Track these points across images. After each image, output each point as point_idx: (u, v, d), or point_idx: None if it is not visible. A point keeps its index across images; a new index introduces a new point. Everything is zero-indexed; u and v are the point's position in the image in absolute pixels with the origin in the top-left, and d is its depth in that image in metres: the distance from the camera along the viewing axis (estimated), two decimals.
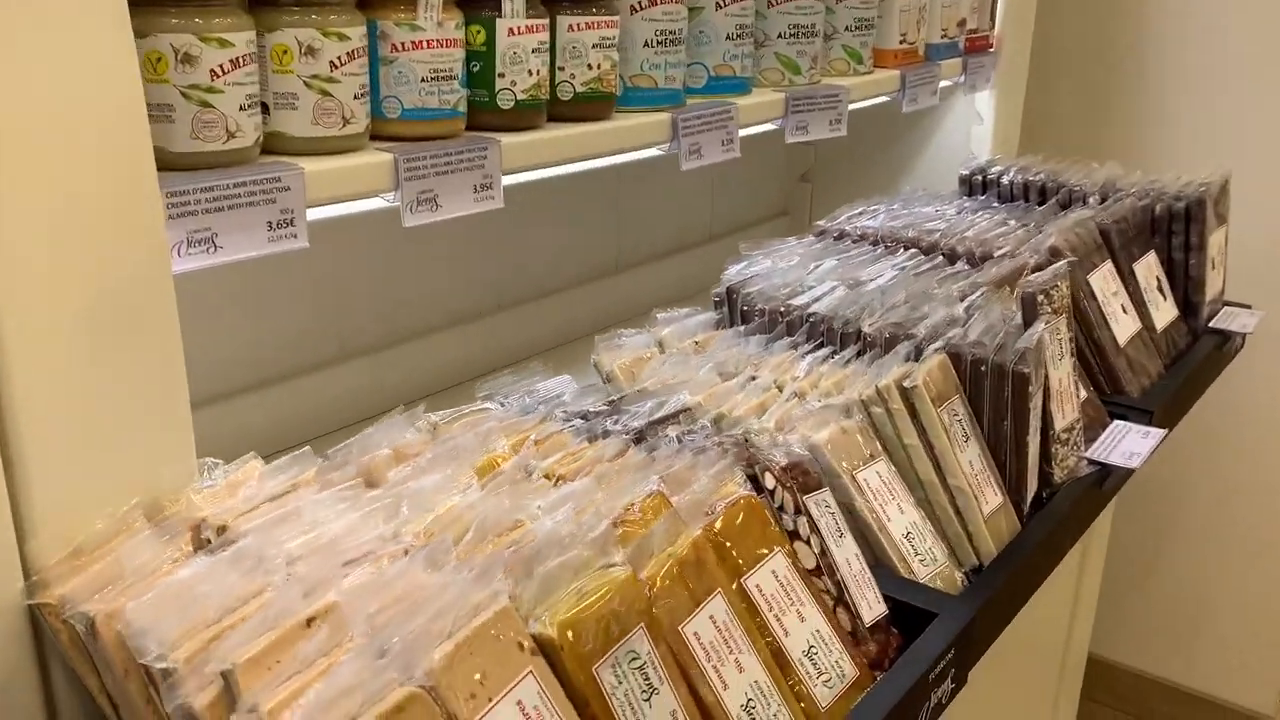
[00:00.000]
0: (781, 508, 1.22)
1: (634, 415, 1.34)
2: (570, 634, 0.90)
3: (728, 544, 1.10)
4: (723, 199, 2.42)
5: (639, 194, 2.18)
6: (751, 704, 1.02)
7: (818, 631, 1.13)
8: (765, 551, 1.13)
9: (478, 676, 0.84)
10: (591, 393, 1.42)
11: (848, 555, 1.22)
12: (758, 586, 1.11)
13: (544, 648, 0.90)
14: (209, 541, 0.97)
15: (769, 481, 1.23)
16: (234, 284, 1.53)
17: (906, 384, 1.35)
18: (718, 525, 1.10)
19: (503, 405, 1.36)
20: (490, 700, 0.84)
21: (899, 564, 1.30)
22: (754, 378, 1.44)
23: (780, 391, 1.41)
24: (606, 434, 1.29)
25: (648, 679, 0.95)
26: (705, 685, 0.99)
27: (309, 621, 0.84)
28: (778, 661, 1.08)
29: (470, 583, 0.90)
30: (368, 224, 1.55)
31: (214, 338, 1.52)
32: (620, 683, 0.93)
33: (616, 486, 1.10)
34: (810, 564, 1.21)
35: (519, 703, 0.86)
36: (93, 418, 0.91)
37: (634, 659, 0.95)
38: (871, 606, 1.22)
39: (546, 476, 1.15)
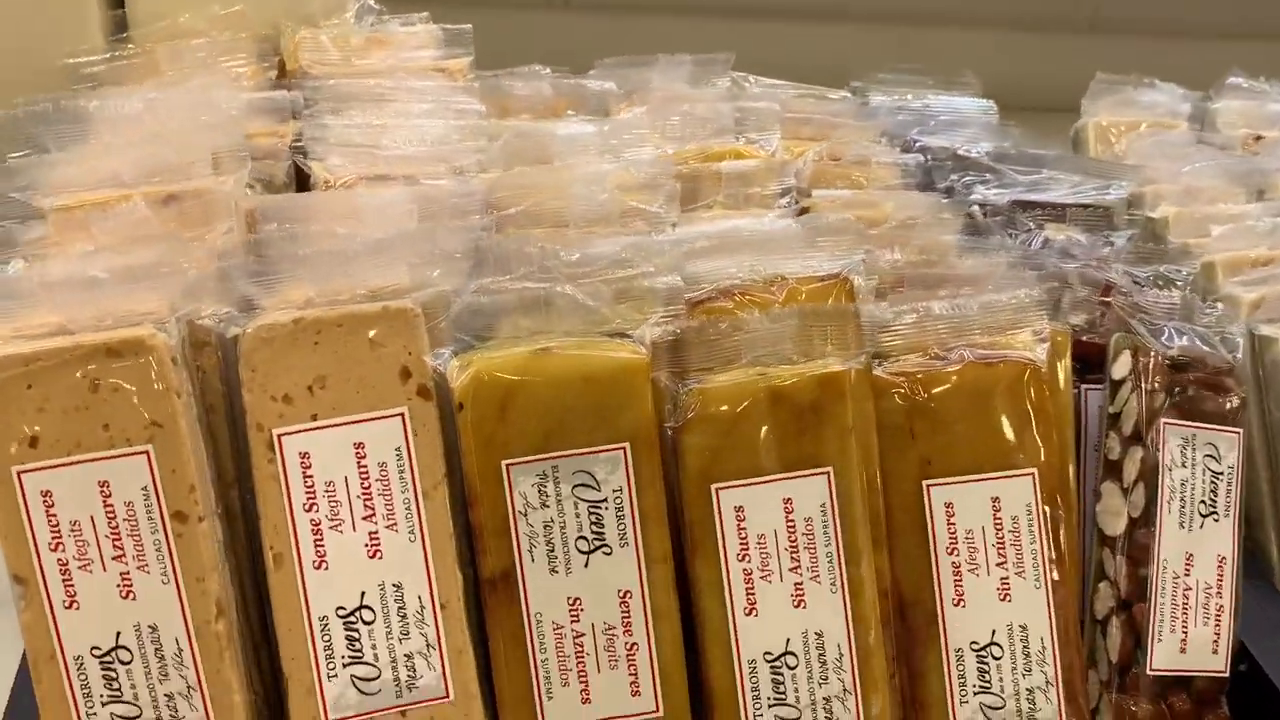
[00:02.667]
0: (1117, 420, 0.70)
1: (1032, 185, 0.84)
2: (480, 397, 0.57)
3: (923, 412, 0.65)
4: None
5: None
6: (785, 660, 0.62)
7: (1020, 627, 0.65)
8: (997, 461, 0.65)
9: (311, 382, 0.56)
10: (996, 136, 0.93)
11: (1205, 549, 0.68)
12: (947, 506, 0.65)
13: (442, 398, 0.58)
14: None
15: (1121, 367, 0.70)
16: None
17: None
18: (921, 384, 0.65)
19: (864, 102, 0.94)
20: (313, 420, 0.57)
21: None
22: None
23: None
24: (948, 191, 0.83)
25: (599, 526, 0.59)
26: (714, 597, 0.61)
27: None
28: (910, 627, 0.65)
29: (414, 246, 0.59)
30: None
31: None
32: (543, 507, 0.59)
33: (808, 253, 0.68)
34: (1114, 528, 0.69)
35: (358, 447, 0.57)
36: None
37: (587, 485, 0.59)
38: (1190, 649, 0.68)
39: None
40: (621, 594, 0.60)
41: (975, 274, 0.72)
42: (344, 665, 0.58)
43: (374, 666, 0.58)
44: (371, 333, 0.57)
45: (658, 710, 0.61)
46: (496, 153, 0.72)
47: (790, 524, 0.61)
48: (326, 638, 0.58)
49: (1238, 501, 0.71)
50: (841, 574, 0.62)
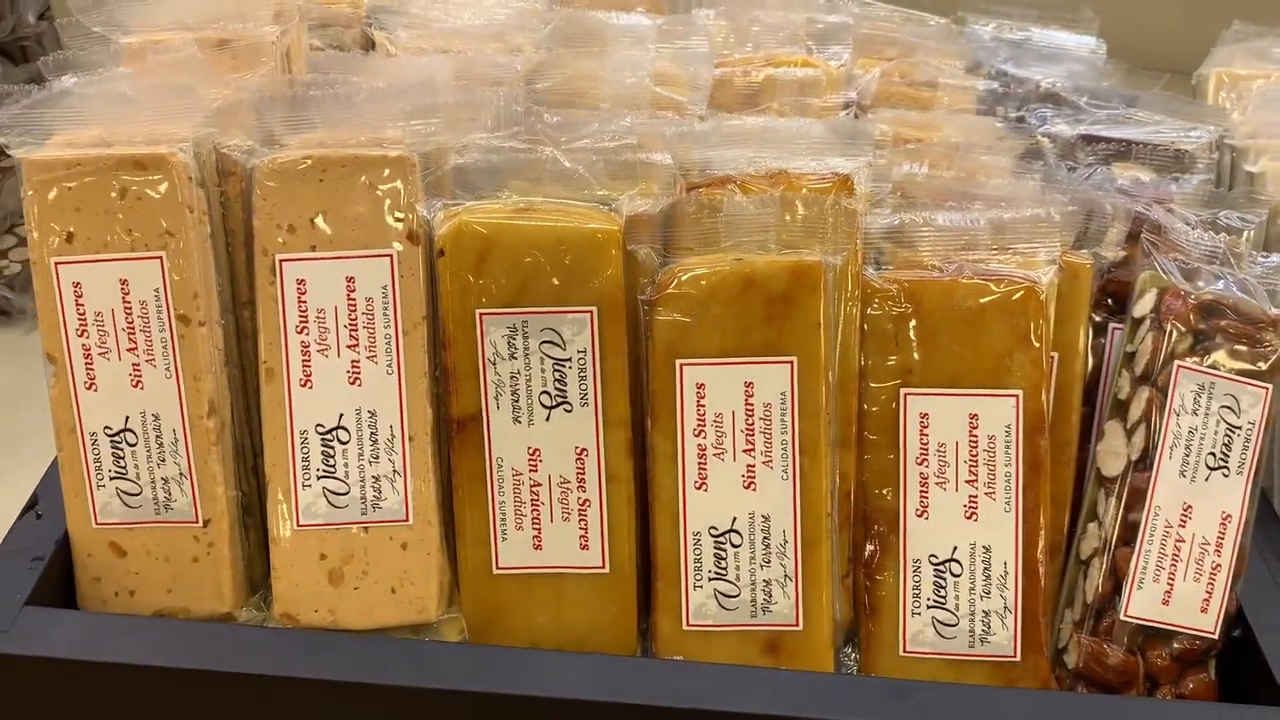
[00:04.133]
0: (1132, 359, 0.67)
1: (1108, 121, 0.81)
2: (460, 246, 0.61)
3: (910, 320, 0.64)
4: None
5: None
6: (729, 538, 0.63)
7: (984, 548, 0.65)
8: (980, 379, 0.64)
9: (313, 215, 0.62)
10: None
11: (1209, 503, 0.66)
12: (922, 416, 0.65)
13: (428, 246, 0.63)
14: None
15: (1144, 305, 0.68)
16: None
17: None
18: (912, 292, 0.64)
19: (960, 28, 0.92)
20: (312, 250, 0.62)
21: None
22: None
23: None
24: (1020, 120, 0.81)
25: (562, 383, 0.63)
26: (668, 468, 0.63)
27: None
28: (873, 533, 0.65)
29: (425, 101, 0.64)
30: None
31: None
32: (511, 359, 0.62)
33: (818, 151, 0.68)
34: (1113, 468, 0.67)
35: (349, 280, 0.62)
36: None
37: (553, 343, 0.62)
38: (1174, 602, 0.66)
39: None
40: (579, 451, 0.64)
41: (1005, 195, 0.70)
42: (318, 478, 0.64)
43: (344, 483, 0.64)
44: (368, 176, 0.62)
45: (603, 566, 0.64)
46: (546, 35, 0.75)
47: (749, 407, 0.63)
48: (305, 450, 0.63)
49: (1255, 460, 0.67)
50: (795, 463, 0.63)
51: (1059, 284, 0.68)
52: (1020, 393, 0.65)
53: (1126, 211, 0.71)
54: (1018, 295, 0.64)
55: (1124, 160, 0.79)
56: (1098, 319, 0.71)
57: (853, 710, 0.58)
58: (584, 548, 0.64)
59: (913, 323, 0.66)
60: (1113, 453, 0.68)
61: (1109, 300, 0.71)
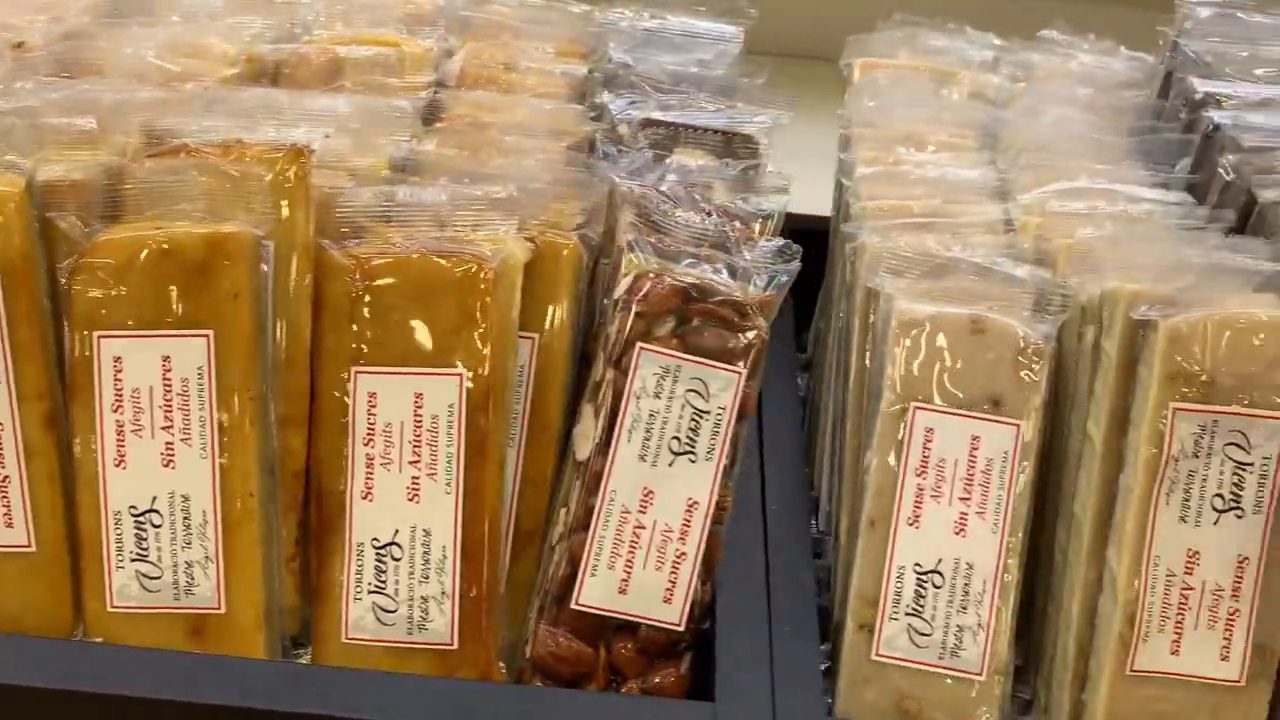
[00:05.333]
0: (608, 342, 0.66)
1: (678, 106, 0.79)
2: None
3: (364, 297, 0.63)
4: None
5: None
6: (150, 517, 0.61)
7: (424, 531, 0.63)
8: (426, 357, 0.62)
9: None
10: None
11: (672, 489, 0.64)
12: (370, 395, 0.63)
13: None
14: None
15: (622, 287, 0.66)
16: None
17: None
18: (368, 269, 0.63)
19: None
20: None
21: None
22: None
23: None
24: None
25: None
26: (87, 444, 0.61)
27: None
28: (323, 515, 0.63)
29: None
30: None
31: None
32: None
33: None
34: (584, 451, 0.65)
35: None
36: None
37: None
38: (632, 591, 0.64)
39: None
40: None
41: (494, 174, 0.68)
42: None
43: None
44: None
45: (29, 545, 0.63)
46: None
47: (166, 382, 0.61)
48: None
49: (724, 445, 0.65)
50: (214, 441, 0.61)
51: (540, 264, 0.66)
52: (464, 372, 0.63)
53: (625, 194, 0.69)
54: (463, 272, 0.63)
55: (681, 145, 0.77)
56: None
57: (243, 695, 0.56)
58: (8, 525, 0.62)
59: (367, 299, 0.64)
60: (584, 435, 0.66)
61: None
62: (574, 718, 0.59)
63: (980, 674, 0.65)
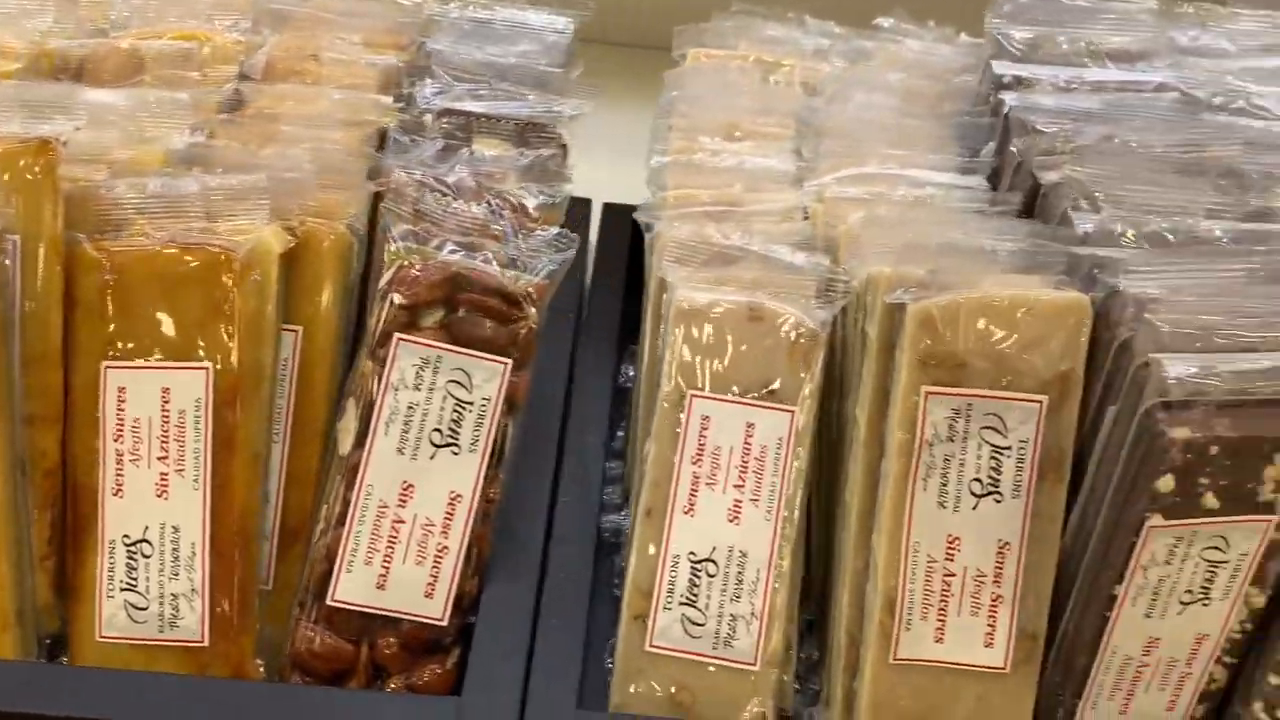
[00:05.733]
0: (372, 334, 0.65)
1: (483, 95, 0.79)
2: None
3: (115, 292, 0.62)
4: None
5: None
6: None
7: (173, 528, 0.62)
8: (173, 350, 0.61)
9: None
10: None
11: (433, 482, 0.63)
12: (120, 391, 0.62)
13: None
14: None
15: (386, 277, 0.65)
16: None
17: None
18: (119, 263, 0.62)
19: None
20: None
21: None
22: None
23: None
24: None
25: None
26: None
27: None
28: (79, 512, 0.62)
29: None
30: None
31: None
32: None
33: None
34: (346, 445, 0.64)
35: None
36: None
37: None
38: (389, 587, 0.63)
39: None
40: None
41: (265, 164, 0.67)
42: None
43: None
44: None
45: None
46: None
47: None
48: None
49: (490, 437, 0.64)
50: None
51: (303, 254, 0.65)
52: (210, 365, 0.62)
53: (396, 184, 0.68)
54: (208, 264, 0.62)
55: (478, 135, 0.76)
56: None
57: None
58: None
59: (117, 294, 0.63)
60: (346, 430, 0.65)
61: None
62: (309, 714, 0.58)
63: (754, 664, 0.64)
